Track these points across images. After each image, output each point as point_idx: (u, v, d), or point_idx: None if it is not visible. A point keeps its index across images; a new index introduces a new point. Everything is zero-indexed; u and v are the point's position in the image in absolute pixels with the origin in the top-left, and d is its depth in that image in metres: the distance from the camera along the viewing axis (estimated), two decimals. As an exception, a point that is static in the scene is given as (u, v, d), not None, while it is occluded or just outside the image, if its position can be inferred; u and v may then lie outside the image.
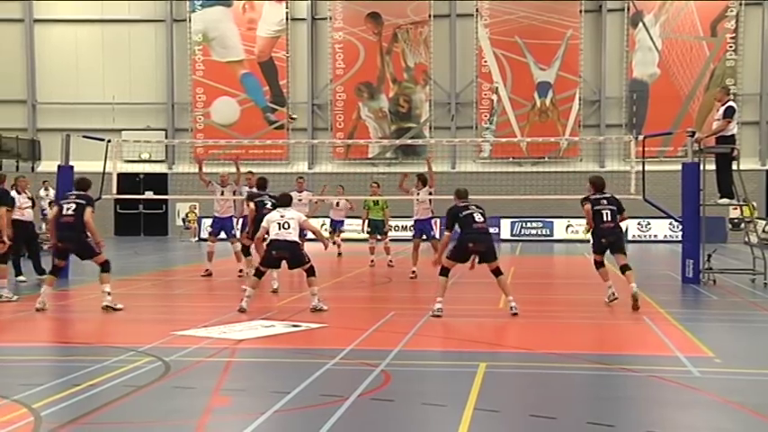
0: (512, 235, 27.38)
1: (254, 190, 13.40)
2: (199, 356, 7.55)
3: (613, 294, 11.22)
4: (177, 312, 11.04)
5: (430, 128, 29.39)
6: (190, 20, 30.01)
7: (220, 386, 6.44)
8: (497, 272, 10.35)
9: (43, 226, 18.97)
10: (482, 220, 10.30)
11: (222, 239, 15.37)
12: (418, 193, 15.00)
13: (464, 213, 10.34)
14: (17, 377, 6.72)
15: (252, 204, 12.75)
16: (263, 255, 10.82)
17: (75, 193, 10.97)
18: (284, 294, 12.22)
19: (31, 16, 30.44)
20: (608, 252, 11.39)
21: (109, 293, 10.61)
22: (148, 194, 27.69)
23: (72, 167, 15.16)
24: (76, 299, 12.18)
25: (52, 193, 17.94)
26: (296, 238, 10.67)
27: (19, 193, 14.42)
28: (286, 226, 10.53)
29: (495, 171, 27.18)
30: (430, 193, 14.95)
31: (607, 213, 11.28)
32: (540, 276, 15.81)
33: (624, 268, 11.10)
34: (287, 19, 29.78)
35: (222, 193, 15.10)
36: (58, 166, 15.28)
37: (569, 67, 28.55)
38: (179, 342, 8.21)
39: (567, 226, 27.05)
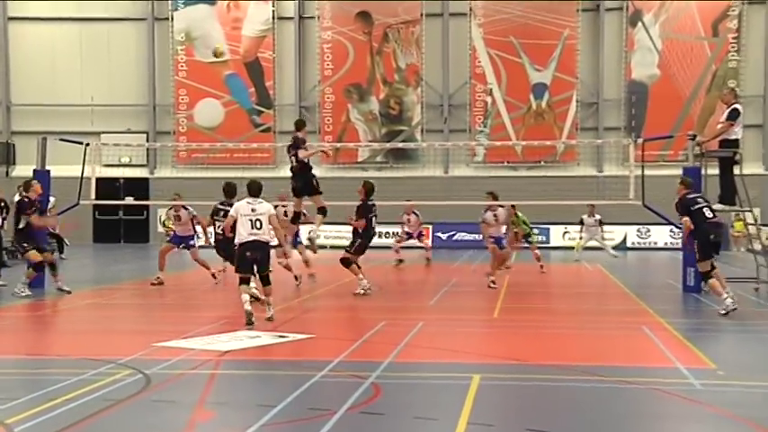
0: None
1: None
2: (181, 369, 7.51)
3: (732, 304, 10.89)
4: (158, 323, 10.99)
5: (422, 131, 29.43)
6: (172, 18, 29.99)
7: (204, 400, 6.41)
8: None
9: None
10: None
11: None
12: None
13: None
14: (-10, 391, 6.67)
15: (208, 219, 12.83)
16: (237, 259, 10.69)
17: None
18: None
19: (4, 14, 30.34)
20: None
21: None
22: (129, 200, 27.56)
23: (48, 172, 15.12)
24: (52, 309, 12.12)
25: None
26: (268, 238, 10.60)
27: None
28: (258, 225, 10.41)
29: (490, 175, 27.22)
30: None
31: (708, 210, 11.42)
32: (535, 285, 15.84)
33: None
34: (273, 18, 29.80)
35: (179, 219, 15.39)
36: (34, 171, 15.22)
37: (566, 67, 28.65)
38: (160, 354, 8.16)
39: (564, 233, 27.11)
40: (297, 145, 12.98)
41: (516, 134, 28.55)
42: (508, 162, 28.54)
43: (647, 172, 15.14)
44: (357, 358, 8.10)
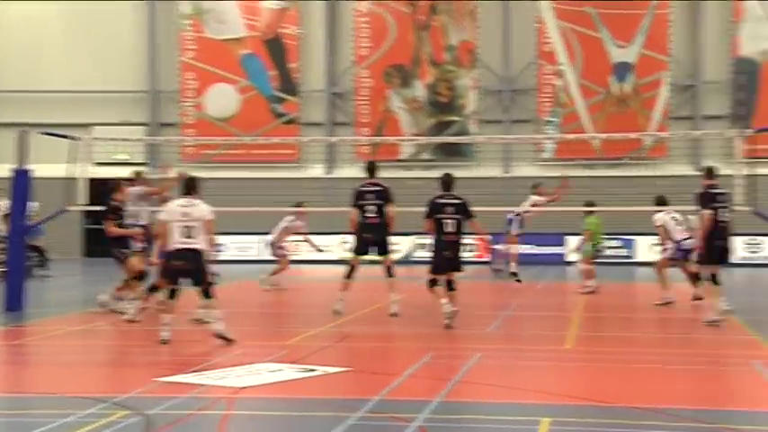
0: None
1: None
2: (188, 409, 7.54)
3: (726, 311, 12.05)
4: (161, 353, 11.07)
5: (477, 122, 29.37)
6: (177, -12, 30.39)
7: (214, 446, 6.45)
8: None
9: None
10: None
11: None
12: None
13: None
14: (-39, 434, 6.78)
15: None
16: (162, 266, 11.09)
17: None
18: (295, 329, 12.23)
19: (-19, -13, 30.97)
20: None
21: None
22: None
23: (29, 171, 15.30)
24: (34, 337, 12.29)
25: (5, 204, 18.10)
26: (201, 246, 10.93)
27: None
28: (189, 231, 10.84)
29: (561, 176, 26.97)
30: None
31: (723, 211, 11.70)
32: (617, 309, 15.69)
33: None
34: (298, -14, 30.06)
35: None
36: (13, 170, 15.45)
37: (656, 43, 28.41)
38: (163, 390, 8.21)
39: (653, 244, 26.79)
40: (386, 197, 13.91)
41: (593, 125, 28.36)
42: (583, 159, 28.33)
43: (759, 171, 14.94)
44: (400, 396, 8.09)
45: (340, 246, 28.02)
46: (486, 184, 26.28)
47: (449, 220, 12.56)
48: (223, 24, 30.21)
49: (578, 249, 18.79)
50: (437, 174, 13.70)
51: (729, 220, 12.95)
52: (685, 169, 27.66)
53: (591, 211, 18.08)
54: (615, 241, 27.21)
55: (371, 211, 13.88)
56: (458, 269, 12.70)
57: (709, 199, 12.78)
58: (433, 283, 12.61)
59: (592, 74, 28.69)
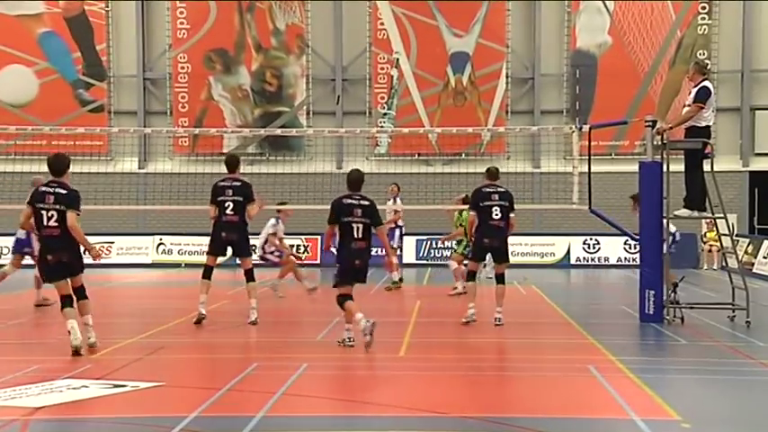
0: (418, 258, 27.65)
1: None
2: (-25, 433, 7.27)
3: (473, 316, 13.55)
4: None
5: (308, 113, 29.39)
6: (-35, -45, 29.07)
7: (6, 474, 6.20)
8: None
9: None
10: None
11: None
12: None
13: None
14: None
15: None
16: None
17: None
18: (101, 341, 11.90)
19: None
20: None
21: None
22: None
23: None
24: None
25: None
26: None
27: None
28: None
29: (396, 172, 27.37)
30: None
31: (496, 210, 12.70)
32: (448, 314, 16.00)
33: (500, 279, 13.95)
34: (107, -42, 29.29)
35: None
36: None
37: (493, 33, 29.13)
38: (-54, 413, 7.86)
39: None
40: (247, 194, 13.94)
41: (430, 118, 28.86)
42: (419, 155, 28.79)
43: (594, 168, 15.53)
44: (218, 412, 8.03)
45: (156, 248, 27.56)
46: (319, 180, 26.29)
47: (359, 225, 11.79)
48: (18, -1, 29.09)
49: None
50: (264, 169, 13.66)
51: (504, 219, 13.83)
52: (524, 166, 28.53)
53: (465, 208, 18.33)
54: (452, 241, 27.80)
55: (229, 209, 13.80)
56: (363, 280, 12.08)
57: (480, 198, 13.91)
58: (344, 297, 11.76)
59: (428, 64, 29.15)
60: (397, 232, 20.49)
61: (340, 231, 11.82)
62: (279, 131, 25.43)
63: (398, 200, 20.59)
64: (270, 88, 29.40)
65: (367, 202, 11.96)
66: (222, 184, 14.15)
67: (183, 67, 29.27)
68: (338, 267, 11.92)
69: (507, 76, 29.15)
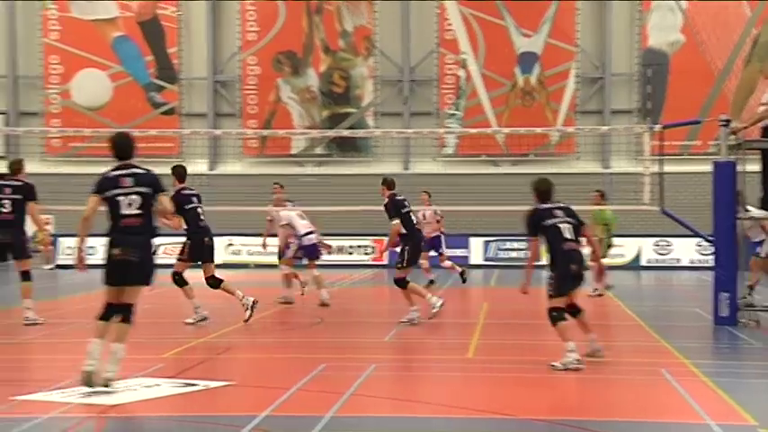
0: (485, 259, 27.57)
1: None
2: (51, 431, 7.38)
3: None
4: (20, 368, 10.80)
5: (375, 114, 29.48)
6: (39, -39, 29.68)
7: (81, 471, 6.30)
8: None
9: None
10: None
11: None
12: None
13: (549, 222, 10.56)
14: None
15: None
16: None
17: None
18: (172, 341, 12.06)
19: None
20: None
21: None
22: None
23: None
24: None
25: None
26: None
27: None
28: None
29: (463, 173, 27.35)
30: None
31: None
32: (523, 315, 15.90)
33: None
34: (178, -37, 29.68)
35: None
36: None
37: (562, 32, 28.96)
38: (22, 410, 8.01)
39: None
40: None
41: (498, 118, 28.77)
42: (487, 155, 28.71)
43: (667, 168, 15.34)
44: (288, 412, 8.05)
45: (225, 248, 27.84)
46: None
47: (566, 225, 10.80)
48: (92, 4, 29.59)
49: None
50: (332, 170, 13.71)
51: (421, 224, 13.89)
52: (594, 166, 28.31)
53: (602, 203, 18.06)
54: (521, 243, 27.67)
55: None
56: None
57: (399, 206, 13.78)
58: (558, 313, 10.62)
59: (496, 64, 29.07)
60: (442, 237, 20.32)
61: (547, 238, 10.77)
62: (346, 132, 25.58)
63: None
64: (337, 90, 29.54)
65: (563, 205, 11.01)
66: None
67: (252, 70, 29.57)
68: (553, 275, 10.82)
69: (577, 76, 28.95)
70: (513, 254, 27.59)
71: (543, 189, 10.98)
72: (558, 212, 10.69)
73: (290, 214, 16.40)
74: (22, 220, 13.76)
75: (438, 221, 20.19)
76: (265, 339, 13.00)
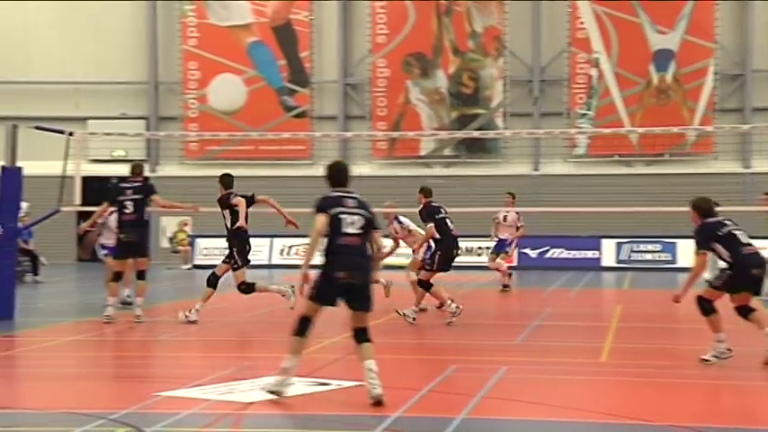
0: (618, 261, 27.11)
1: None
2: (191, 426, 7.53)
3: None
4: (161, 365, 11.11)
5: (504, 115, 29.32)
6: (178, -30, 30.49)
7: (219, 466, 6.45)
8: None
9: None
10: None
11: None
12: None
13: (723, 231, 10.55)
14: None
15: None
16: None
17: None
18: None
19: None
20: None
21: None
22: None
23: (20, 169, 15.37)
24: (25, 348, 12.34)
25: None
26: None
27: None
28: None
29: (594, 173, 26.96)
30: None
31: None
32: (658, 319, 15.61)
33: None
34: (310, -32, 30.10)
35: None
36: (2, 167, 15.52)
37: (700, 28, 28.30)
38: (164, 406, 8.21)
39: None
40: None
41: (631, 118, 28.28)
42: (620, 156, 28.24)
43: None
44: (420, 413, 8.07)
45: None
46: (514, 182, 26.16)
47: (741, 230, 10.80)
48: (228, 10, 30.28)
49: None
50: (460, 171, 13.75)
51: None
52: (733, 166, 27.53)
53: None
54: (655, 245, 27.13)
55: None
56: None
57: (434, 212, 14.15)
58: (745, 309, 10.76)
59: (629, 63, 28.59)
60: (514, 242, 20.21)
61: (724, 246, 10.57)
62: (475, 134, 25.53)
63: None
64: (466, 91, 29.50)
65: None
66: None
67: (381, 72, 29.76)
68: (729, 274, 10.67)
69: (716, 74, 28.26)
70: (648, 256, 27.08)
71: (705, 207, 10.99)
72: (728, 222, 10.74)
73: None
74: (144, 219, 14.31)
75: (518, 228, 19.52)
76: (394, 340, 13.03)
